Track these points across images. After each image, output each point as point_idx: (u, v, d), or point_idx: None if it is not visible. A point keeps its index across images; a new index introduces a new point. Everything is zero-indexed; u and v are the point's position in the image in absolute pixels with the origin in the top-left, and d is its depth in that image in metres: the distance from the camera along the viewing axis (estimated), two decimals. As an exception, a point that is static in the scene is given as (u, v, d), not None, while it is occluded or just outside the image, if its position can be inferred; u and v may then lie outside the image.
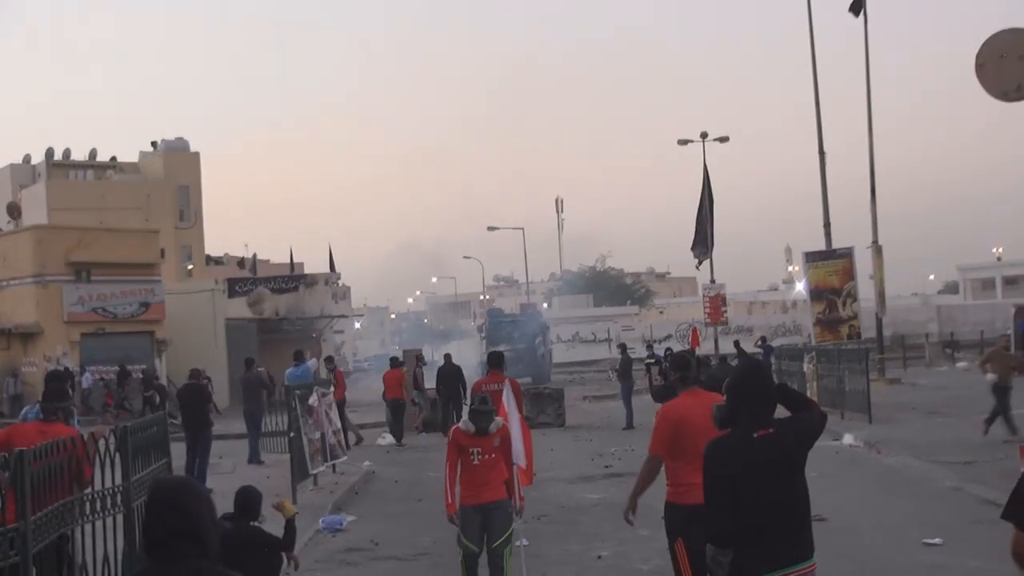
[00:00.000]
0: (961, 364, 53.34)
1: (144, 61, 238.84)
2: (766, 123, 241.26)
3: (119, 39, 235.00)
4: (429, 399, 32.33)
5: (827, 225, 34.55)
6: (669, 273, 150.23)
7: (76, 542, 8.66)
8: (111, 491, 8.99)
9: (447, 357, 31.99)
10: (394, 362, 31.53)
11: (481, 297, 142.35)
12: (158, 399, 36.10)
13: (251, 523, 11.30)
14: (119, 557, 9.20)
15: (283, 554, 11.25)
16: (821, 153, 34.70)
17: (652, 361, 32.20)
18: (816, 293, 32.17)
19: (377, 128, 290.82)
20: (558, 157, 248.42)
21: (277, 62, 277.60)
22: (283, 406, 23.87)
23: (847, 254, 32.71)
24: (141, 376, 41.20)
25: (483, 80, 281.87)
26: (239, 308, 47.47)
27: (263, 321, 47.92)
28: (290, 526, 11.36)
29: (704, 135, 56.90)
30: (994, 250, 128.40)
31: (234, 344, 45.01)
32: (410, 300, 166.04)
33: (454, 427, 11.05)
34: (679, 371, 8.96)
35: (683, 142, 57.78)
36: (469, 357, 56.42)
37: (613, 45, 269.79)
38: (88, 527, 8.79)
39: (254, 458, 23.30)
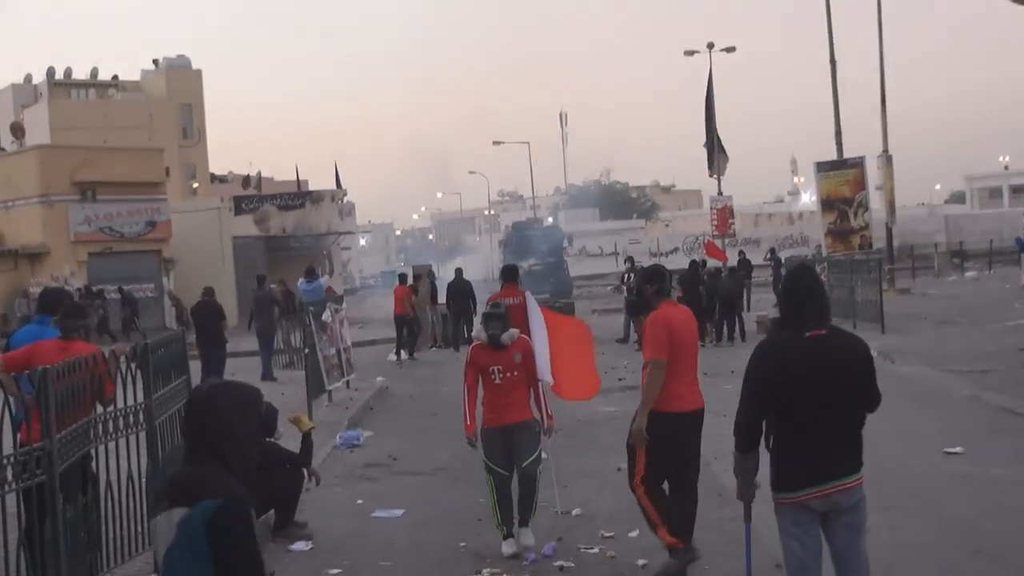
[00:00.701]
0: (970, 274, 53.20)
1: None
2: (770, 33, 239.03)
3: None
4: (441, 314, 32.26)
5: (838, 134, 34.21)
6: (674, 186, 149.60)
7: (99, 460, 8.60)
8: (133, 409, 8.92)
9: (458, 272, 31.80)
10: (403, 279, 31.33)
11: (486, 212, 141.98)
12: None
13: (267, 439, 11.30)
14: (142, 475, 9.16)
15: (304, 470, 11.25)
16: (832, 62, 34.29)
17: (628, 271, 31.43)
18: (827, 203, 31.89)
19: (382, 44, 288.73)
20: (563, 71, 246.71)
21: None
22: (297, 322, 23.89)
23: (858, 163, 32.37)
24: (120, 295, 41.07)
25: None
26: (246, 226, 47.26)
27: (270, 239, 47.74)
28: (307, 441, 11.34)
29: (711, 45, 56.29)
30: (1001, 159, 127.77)
31: (241, 262, 44.91)
32: (415, 216, 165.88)
33: (472, 345, 10.73)
34: (656, 283, 9.13)
35: (689, 53, 57.08)
36: (476, 272, 56.31)
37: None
38: (111, 445, 8.73)
39: (267, 375, 23.27)
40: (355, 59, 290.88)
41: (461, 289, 30.58)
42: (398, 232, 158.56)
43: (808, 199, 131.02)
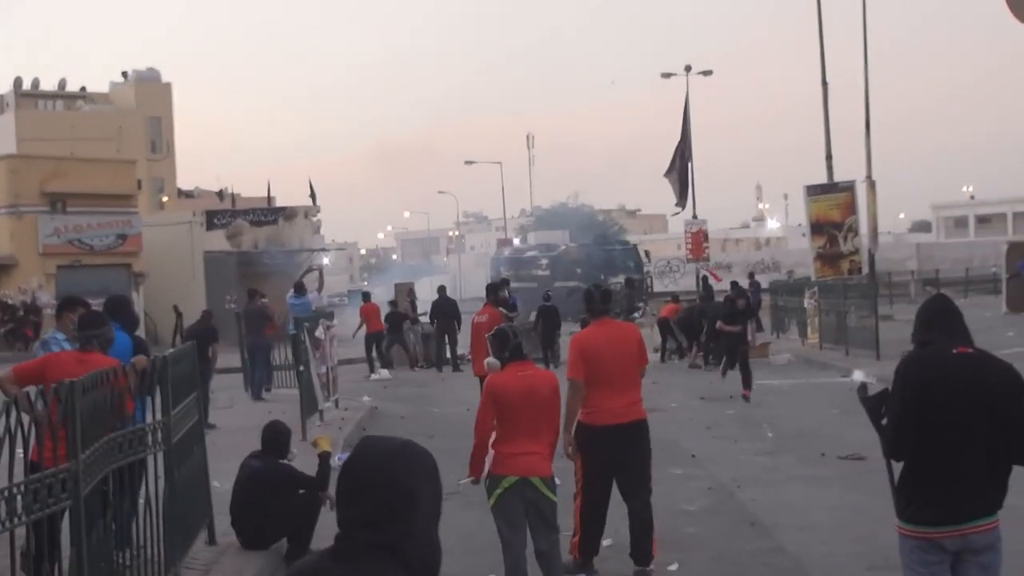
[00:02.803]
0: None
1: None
2: (729, 60, 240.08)
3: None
4: (422, 334, 31.70)
5: (829, 157, 33.88)
6: (640, 210, 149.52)
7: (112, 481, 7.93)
8: (152, 427, 8.26)
9: (441, 290, 31.22)
10: (366, 296, 32.01)
11: (451, 233, 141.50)
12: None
13: (280, 460, 10.66)
14: (159, 498, 8.49)
15: (320, 494, 10.60)
16: (824, 84, 33.99)
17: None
18: (816, 227, 31.53)
19: (350, 62, 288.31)
20: (535, 92, 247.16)
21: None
22: (284, 338, 23.18)
23: (849, 187, 32.07)
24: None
25: (458, 9, 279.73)
26: (217, 241, 46.43)
27: (242, 254, 46.90)
28: (324, 463, 10.69)
29: (688, 68, 56.06)
30: (964, 189, 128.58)
31: (212, 277, 44.07)
32: (381, 236, 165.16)
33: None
34: (585, 304, 9.93)
35: (667, 75, 56.95)
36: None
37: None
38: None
39: (257, 394, 22.56)
40: (323, 76, 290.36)
41: (445, 308, 29.98)
42: (363, 251, 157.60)
43: (775, 225, 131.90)
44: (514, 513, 8.53)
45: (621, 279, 47.60)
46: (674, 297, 33.01)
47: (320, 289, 27.51)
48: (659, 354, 29.57)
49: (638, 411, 9.56)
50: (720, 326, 23.09)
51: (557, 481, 8.83)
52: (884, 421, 5.84)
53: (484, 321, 17.07)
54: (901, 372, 5.73)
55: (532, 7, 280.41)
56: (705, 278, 35.01)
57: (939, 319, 5.77)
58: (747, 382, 21.44)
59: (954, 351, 5.63)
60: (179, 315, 38.93)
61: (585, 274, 49.39)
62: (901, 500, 5.72)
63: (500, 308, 17.59)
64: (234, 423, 18.03)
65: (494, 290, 17.82)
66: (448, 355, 30.08)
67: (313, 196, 53.63)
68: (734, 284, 29.86)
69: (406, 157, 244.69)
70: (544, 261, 54.79)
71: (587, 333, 9.72)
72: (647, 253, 56.28)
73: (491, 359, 9.12)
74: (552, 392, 8.66)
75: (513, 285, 35.30)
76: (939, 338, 5.69)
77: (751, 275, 43.16)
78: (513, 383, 8.60)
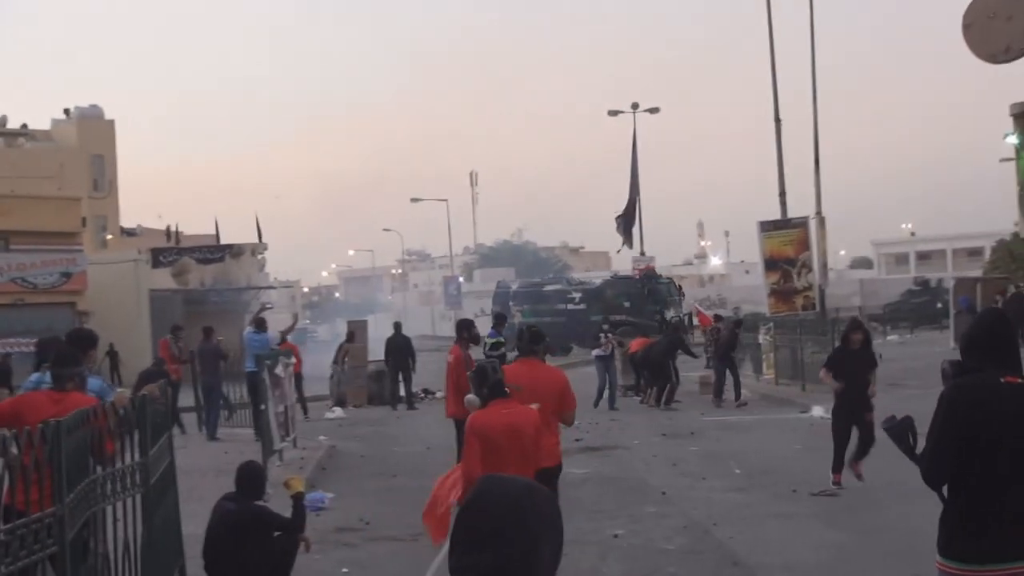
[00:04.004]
0: (892, 337, 53.42)
1: (56, 27, 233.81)
2: (666, 99, 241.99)
3: (27, 3, 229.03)
4: (373, 371, 31.41)
5: (782, 194, 33.97)
6: (583, 247, 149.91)
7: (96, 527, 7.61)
8: (130, 468, 7.94)
9: (397, 327, 30.91)
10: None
11: (394, 271, 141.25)
12: None
13: (255, 502, 10.36)
14: (138, 543, 8.16)
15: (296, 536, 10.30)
16: (777, 121, 34.10)
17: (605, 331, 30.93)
18: (770, 263, 31.61)
19: (293, 96, 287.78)
20: (479, 130, 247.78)
21: (193, 32, 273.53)
22: (238, 376, 22.84)
23: (802, 223, 32.20)
24: None
25: (407, 48, 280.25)
26: (163, 279, 45.96)
27: (188, 292, 46.48)
28: (298, 504, 10.38)
29: (635, 106, 56.40)
30: (904, 226, 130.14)
31: (158, 315, 43.48)
32: (324, 274, 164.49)
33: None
34: (516, 342, 9.50)
35: (614, 113, 57.25)
36: (385, 330, 54.92)
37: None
38: (108, 509, 7.75)
39: (212, 433, 22.16)
40: (268, 112, 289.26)
41: (399, 345, 29.65)
42: (305, 289, 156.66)
43: (718, 262, 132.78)
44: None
45: (672, 312, 47.30)
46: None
47: (292, 328, 27.09)
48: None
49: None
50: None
51: None
52: (919, 450, 5.62)
53: (451, 361, 16.73)
54: (946, 400, 5.51)
55: (475, 44, 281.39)
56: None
57: (989, 344, 5.53)
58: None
59: (1003, 380, 5.44)
60: (114, 355, 38.37)
61: (636, 307, 48.31)
62: (943, 535, 5.48)
63: (470, 346, 17.20)
64: (191, 464, 17.63)
65: (465, 328, 17.39)
66: (403, 393, 29.78)
67: (259, 233, 53.35)
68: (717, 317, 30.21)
69: (351, 195, 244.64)
70: (576, 295, 53.13)
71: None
72: (680, 288, 54.25)
73: (471, 396, 8.88)
74: (535, 431, 8.46)
75: (532, 320, 34.44)
76: (987, 365, 5.49)
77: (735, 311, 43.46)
78: (497, 420, 8.38)
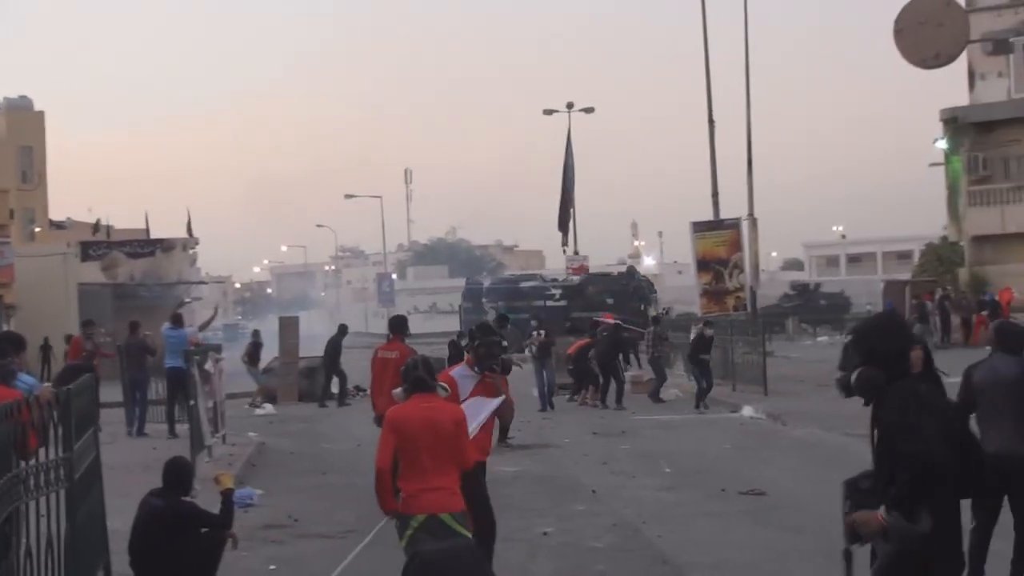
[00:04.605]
0: (822, 338, 53.88)
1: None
2: (601, 98, 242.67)
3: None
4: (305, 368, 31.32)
5: (715, 195, 34.23)
6: (517, 246, 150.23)
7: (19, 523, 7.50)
8: (54, 463, 7.84)
9: (341, 329, 30.85)
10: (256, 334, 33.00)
11: (327, 268, 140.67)
12: None
13: (183, 498, 10.25)
14: (62, 539, 8.05)
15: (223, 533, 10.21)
16: (711, 122, 34.34)
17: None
18: (702, 264, 31.84)
19: (228, 92, 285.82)
20: (416, 128, 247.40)
21: (122, 23, 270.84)
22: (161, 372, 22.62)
23: (734, 224, 32.46)
24: None
25: (343, 47, 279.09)
26: (92, 273, 45.47)
27: (118, 286, 45.99)
28: (227, 500, 10.28)
29: (570, 105, 56.59)
30: (835, 228, 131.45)
31: (87, 310, 42.86)
32: (256, 269, 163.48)
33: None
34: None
35: (549, 112, 57.45)
36: (323, 327, 54.52)
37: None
38: (32, 505, 7.64)
39: (140, 429, 21.93)
40: (201, 107, 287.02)
41: (336, 345, 29.71)
42: (237, 285, 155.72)
43: (651, 262, 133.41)
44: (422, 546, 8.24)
45: (655, 309, 46.89)
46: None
47: (210, 321, 26.85)
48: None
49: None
50: None
51: None
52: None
53: (394, 358, 15.98)
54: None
55: (414, 44, 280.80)
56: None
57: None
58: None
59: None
60: (48, 348, 38.00)
61: (619, 303, 47.59)
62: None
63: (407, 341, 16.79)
64: (117, 459, 17.41)
65: (401, 325, 17.03)
66: (335, 390, 29.73)
67: (190, 228, 52.94)
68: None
69: (284, 191, 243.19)
70: (556, 291, 52.72)
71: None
72: (653, 286, 54.76)
73: (398, 390, 8.85)
74: (455, 426, 8.31)
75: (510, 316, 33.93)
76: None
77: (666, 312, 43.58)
78: (415, 414, 8.29)
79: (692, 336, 27.08)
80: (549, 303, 51.01)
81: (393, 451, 8.17)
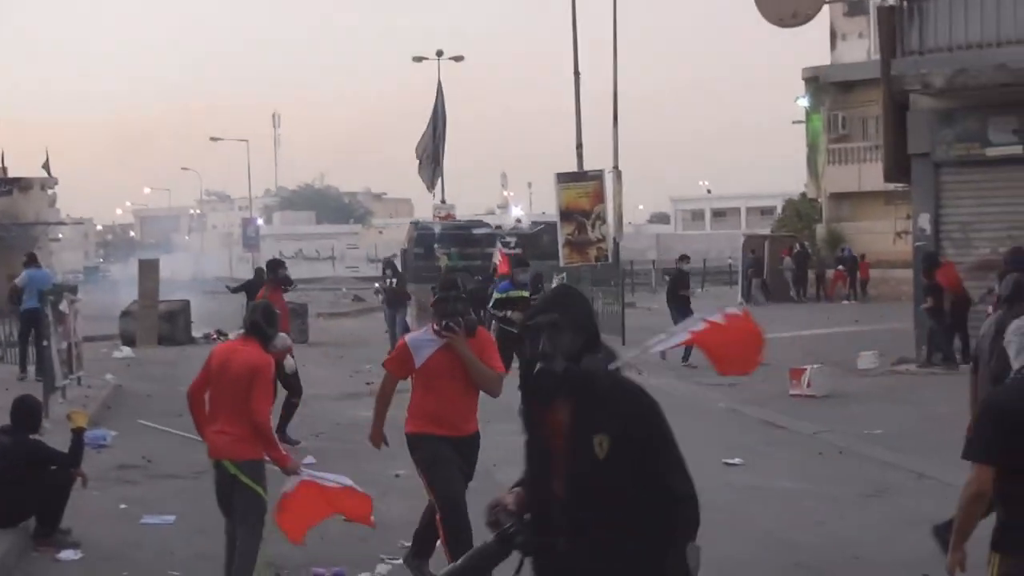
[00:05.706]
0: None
1: None
2: (476, 46, 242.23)
3: None
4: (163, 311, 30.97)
5: (579, 147, 34.51)
6: (386, 193, 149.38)
7: None
8: None
9: (258, 272, 30.25)
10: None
11: (192, 211, 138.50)
12: None
13: (30, 436, 10.25)
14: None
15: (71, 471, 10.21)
16: (576, 74, 34.61)
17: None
18: (566, 215, 32.07)
19: (92, 24, 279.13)
20: (284, 72, 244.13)
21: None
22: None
23: (597, 176, 32.70)
24: None
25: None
26: (-56, 212, 44.39)
27: (-27, 226, 44.95)
28: (77, 439, 10.30)
29: (440, 53, 56.37)
30: (701, 183, 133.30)
31: (-62, 250, 42.10)
32: (119, 211, 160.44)
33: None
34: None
35: (418, 59, 57.19)
36: (186, 272, 53.77)
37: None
38: None
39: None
40: (57, 46, 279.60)
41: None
42: (99, 227, 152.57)
43: (519, 213, 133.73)
44: (219, 496, 8.38)
45: None
46: None
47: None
48: None
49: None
50: None
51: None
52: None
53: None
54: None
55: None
56: None
57: None
58: None
59: None
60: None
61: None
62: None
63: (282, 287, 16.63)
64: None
65: (274, 268, 16.77)
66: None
67: (48, 168, 51.76)
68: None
69: (148, 132, 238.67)
70: (511, 239, 51.68)
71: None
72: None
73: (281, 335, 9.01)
74: (245, 370, 8.07)
75: (460, 263, 33.27)
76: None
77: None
78: (223, 353, 8.40)
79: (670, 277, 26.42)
80: (505, 251, 50.49)
81: (204, 385, 8.33)
